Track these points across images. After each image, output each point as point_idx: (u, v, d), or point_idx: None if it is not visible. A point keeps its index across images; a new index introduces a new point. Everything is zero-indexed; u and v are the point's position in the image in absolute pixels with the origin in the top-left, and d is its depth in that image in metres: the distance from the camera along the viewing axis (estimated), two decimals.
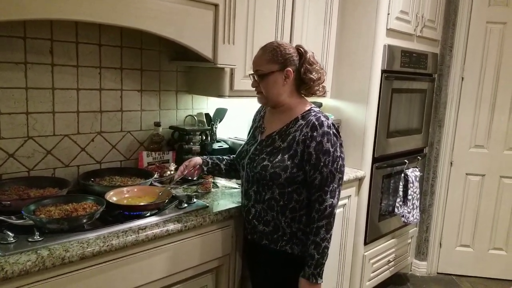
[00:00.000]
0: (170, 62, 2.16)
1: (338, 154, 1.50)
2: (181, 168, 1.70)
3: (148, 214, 1.57)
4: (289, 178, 1.50)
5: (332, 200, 1.48)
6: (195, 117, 2.27)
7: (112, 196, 1.62)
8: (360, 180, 2.66)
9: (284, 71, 1.53)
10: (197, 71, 2.19)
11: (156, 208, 1.61)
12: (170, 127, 2.19)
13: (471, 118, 3.24)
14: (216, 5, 1.85)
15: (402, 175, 2.85)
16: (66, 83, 1.82)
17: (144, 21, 1.62)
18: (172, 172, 2.02)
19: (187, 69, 2.24)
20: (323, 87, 1.62)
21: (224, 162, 1.79)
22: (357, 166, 2.67)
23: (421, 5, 2.79)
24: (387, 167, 2.79)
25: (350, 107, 2.69)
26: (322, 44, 2.53)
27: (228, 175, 1.84)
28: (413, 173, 2.88)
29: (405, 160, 2.91)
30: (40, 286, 1.22)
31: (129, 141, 2.07)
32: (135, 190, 1.71)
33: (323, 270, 1.51)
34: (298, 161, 1.50)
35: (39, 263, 1.19)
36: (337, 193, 1.51)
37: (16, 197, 1.56)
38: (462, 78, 3.19)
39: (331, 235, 1.50)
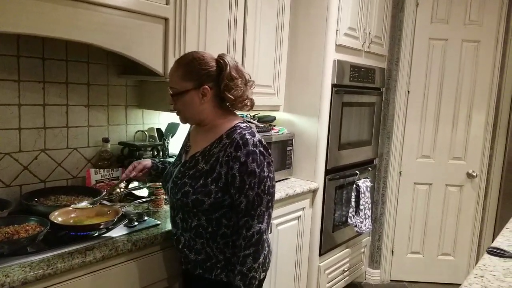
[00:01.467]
0: (119, 76, 2.11)
1: (266, 174, 1.35)
2: (130, 168, 1.63)
3: (96, 234, 1.51)
4: (214, 203, 1.37)
5: (260, 225, 1.34)
6: (146, 132, 2.23)
7: (57, 217, 1.54)
8: (313, 191, 2.70)
9: (200, 89, 1.39)
10: (148, 85, 2.15)
11: (105, 228, 1.55)
12: (120, 143, 2.13)
13: (417, 130, 3.39)
14: (166, 19, 1.84)
15: (354, 185, 2.93)
16: (6, 99, 1.73)
17: (90, 34, 1.58)
18: (122, 190, 1.96)
19: (137, 83, 2.20)
20: (251, 101, 1.48)
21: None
22: (311, 178, 2.72)
23: (368, 22, 2.91)
24: (339, 178, 2.86)
25: (303, 120, 2.74)
26: (275, 59, 2.57)
27: None
28: (364, 184, 2.96)
29: (357, 171, 2.99)
30: None
31: (76, 158, 1.99)
32: (82, 209, 1.64)
33: None
34: (223, 184, 1.36)
35: None
36: (266, 217, 1.36)
37: None
38: (408, 92, 3.34)
39: (260, 264, 1.35)
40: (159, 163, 1.71)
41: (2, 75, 1.71)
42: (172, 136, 2.24)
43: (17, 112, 1.77)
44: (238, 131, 1.40)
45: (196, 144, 1.51)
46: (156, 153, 2.17)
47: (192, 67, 1.39)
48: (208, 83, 1.39)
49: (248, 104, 1.47)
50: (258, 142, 1.37)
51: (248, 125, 1.47)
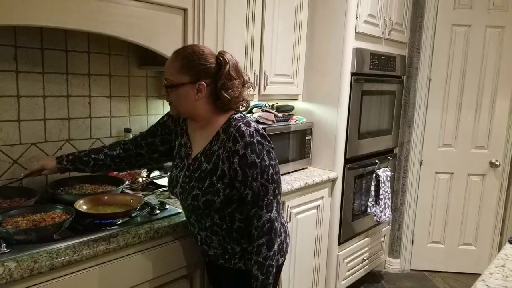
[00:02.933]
0: (139, 67, 2.14)
1: (267, 163, 1.33)
2: (33, 168, 1.58)
3: (119, 222, 1.55)
4: (224, 201, 1.36)
5: (269, 214, 1.33)
6: None
7: (82, 205, 1.59)
8: (333, 181, 2.70)
9: (196, 84, 1.35)
10: None
11: (128, 216, 1.58)
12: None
13: (439, 118, 3.33)
14: (185, 10, 1.84)
15: (374, 175, 2.91)
16: (31, 90, 1.78)
17: (111, 26, 1.60)
18: (144, 179, 2.01)
19: (157, 74, 2.22)
20: (247, 102, 1.45)
21: (92, 164, 1.59)
22: (330, 168, 2.71)
23: (389, 9, 2.86)
24: (359, 168, 2.84)
25: (322, 109, 2.72)
26: (293, 48, 2.56)
27: (110, 170, 1.67)
28: (384, 173, 2.94)
29: (376, 161, 2.97)
30: None
31: None
32: (106, 198, 1.68)
33: None
34: (228, 180, 1.35)
35: (6, 275, 1.16)
36: (274, 205, 1.35)
37: None
38: (430, 80, 3.28)
39: (275, 252, 1.34)
40: (68, 164, 1.58)
41: (27, 67, 1.75)
42: None
43: (42, 104, 1.82)
44: (233, 123, 1.37)
45: (196, 144, 1.48)
46: None
47: (191, 61, 1.35)
48: (205, 79, 1.36)
49: (244, 105, 1.45)
50: (254, 132, 1.34)
51: (242, 115, 1.44)
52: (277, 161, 1.40)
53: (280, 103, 2.68)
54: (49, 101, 1.84)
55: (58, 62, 1.84)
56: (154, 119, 2.24)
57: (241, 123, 1.36)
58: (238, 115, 1.43)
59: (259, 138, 1.34)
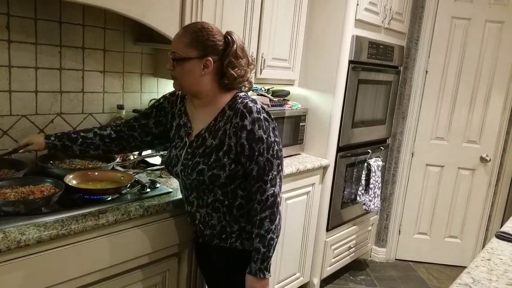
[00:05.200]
0: (135, 44, 2.10)
1: (272, 139, 1.38)
2: (21, 143, 1.55)
3: (109, 199, 1.54)
4: (229, 176, 1.39)
5: (273, 188, 1.38)
6: None
7: (72, 180, 1.58)
8: (324, 168, 2.70)
9: (203, 59, 1.36)
10: (163, 54, 2.14)
11: (118, 193, 1.58)
12: (134, 111, 2.14)
13: (433, 111, 3.34)
14: None
15: (365, 164, 2.93)
16: (23, 61, 1.74)
17: None
18: (135, 157, 1.99)
19: (153, 51, 2.19)
20: (250, 82, 1.48)
21: (80, 142, 1.56)
22: (322, 155, 2.72)
23: None
24: (351, 156, 2.85)
25: (317, 96, 2.71)
26: (292, 32, 2.53)
27: (99, 151, 1.62)
28: (375, 163, 2.95)
29: (369, 150, 2.98)
30: None
31: (90, 123, 2.01)
32: (96, 173, 1.67)
33: (270, 264, 1.40)
34: (234, 155, 1.38)
35: None
36: (278, 180, 1.40)
37: None
38: (427, 71, 3.28)
39: (276, 226, 1.39)
40: (56, 140, 1.55)
41: (20, 37, 1.71)
42: None
43: (34, 75, 1.78)
44: (239, 100, 1.40)
45: (197, 122, 1.48)
46: None
47: (200, 36, 1.36)
48: (213, 55, 1.37)
49: (247, 85, 1.47)
50: (261, 109, 1.39)
51: (246, 94, 1.47)
52: (280, 140, 1.44)
53: (276, 87, 2.67)
54: (41, 73, 1.80)
55: (51, 33, 1.80)
56: (147, 96, 2.22)
57: (247, 100, 1.40)
58: (243, 93, 1.46)
59: (265, 115, 1.39)
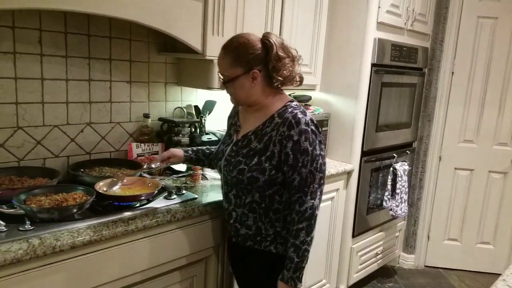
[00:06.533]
0: (159, 54, 2.16)
1: (318, 152, 1.40)
2: (164, 155, 1.70)
3: (137, 205, 1.58)
4: (268, 181, 1.42)
5: (312, 201, 1.40)
6: (184, 109, 2.28)
7: (102, 187, 1.62)
8: (348, 173, 2.68)
9: (250, 73, 1.41)
10: (186, 63, 2.19)
11: (146, 199, 1.61)
12: (159, 119, 2.20)
13: (460, 113, 3.27)
14: None
15: (391, 169, 2.88)
16: (55, 74, 1.81)
17: (133, 12, 1.62)
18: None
19: (176, 61, 2.24)
20: (300, 76, 1.50)
21: (209, 153, 1.75)
22: (346, 160, 2.70)
23: None
24: (375, 161, 2.82)
25: (340, 100, 2.70)
26: (312, 37, 2.53)
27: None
28: (401, 167, 2.91)
29: (394, 154, 2.94)
30: (31, 274, 1.23)
31: (118, 132, 2.07)
32: (125, 181, 1.71)
33: (302, 274, 1.42)
34: (276, 162, 1.41)
35: (31, 252, 1.20)
36: (318, 193, 1.41)
37: (7, 186, 1.56)
38: (452, 73, 3.21)
39: (312, 238, 1.41)
40: (192, 154, 1.74)
41: (51, 51, 1.79)
42: (209, 114, 2.28)
43: (64, 87, 1.85)
44: (290, 110, 1.43)
45: (247, 123, 1.53)
46: (193, 129, 2.22)
47: (240, 53, 1.41)
48: (257, 66, 1.41)
49: (298, 80, 1.50)
50: (309, 121, 1.41)
51: (298, 104, 1.49)
52: (325, 153, 1.48)
53: (297, 92, 2.67)
54: (72, 85, 1.87)
55: (80, 46, 1.87)
56: (172, 105, 2.27)
57: (297, 110, 1.42)
58: (295, 103, 1.49)
59: (313, 128, 1.41)
